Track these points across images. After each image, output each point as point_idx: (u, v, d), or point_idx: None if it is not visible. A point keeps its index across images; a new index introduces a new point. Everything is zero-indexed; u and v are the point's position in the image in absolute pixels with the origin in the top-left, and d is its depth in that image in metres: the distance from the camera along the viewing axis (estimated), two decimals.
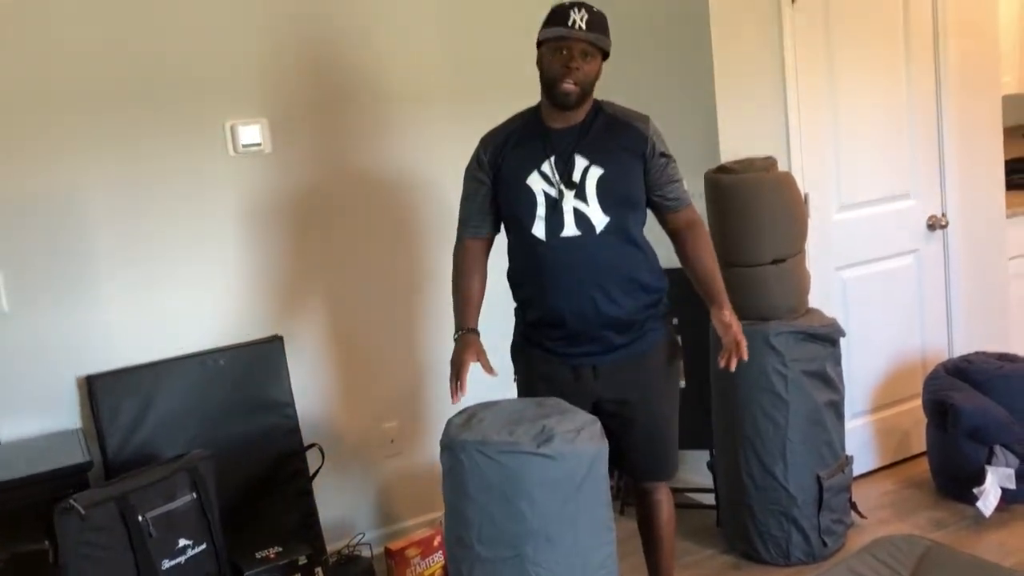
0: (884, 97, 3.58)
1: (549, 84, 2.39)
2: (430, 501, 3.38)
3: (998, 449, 3.22)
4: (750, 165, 3.10)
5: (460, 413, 2.29)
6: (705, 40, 3.23)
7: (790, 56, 3.36)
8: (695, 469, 3.43)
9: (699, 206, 2.71)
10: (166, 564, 2.54)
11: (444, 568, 3.12)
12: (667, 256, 2.57)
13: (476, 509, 2.13)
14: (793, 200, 3.08)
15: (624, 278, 2.44)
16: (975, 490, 3.19)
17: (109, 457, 2.85)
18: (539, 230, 2.43)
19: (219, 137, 3.08)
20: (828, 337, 3.07)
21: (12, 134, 2.79)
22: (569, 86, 2.35)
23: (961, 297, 3.83)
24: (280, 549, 2.88)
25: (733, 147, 3.26)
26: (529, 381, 2.58)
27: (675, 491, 2.78)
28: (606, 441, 2.25)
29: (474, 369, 2.42)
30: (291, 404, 3.15)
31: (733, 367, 2.44)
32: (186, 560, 2.59)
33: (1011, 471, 3.19)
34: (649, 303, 2.49)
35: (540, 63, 2.42)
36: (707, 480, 3.38)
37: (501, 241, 2.59)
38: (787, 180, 3.12)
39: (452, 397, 2.40)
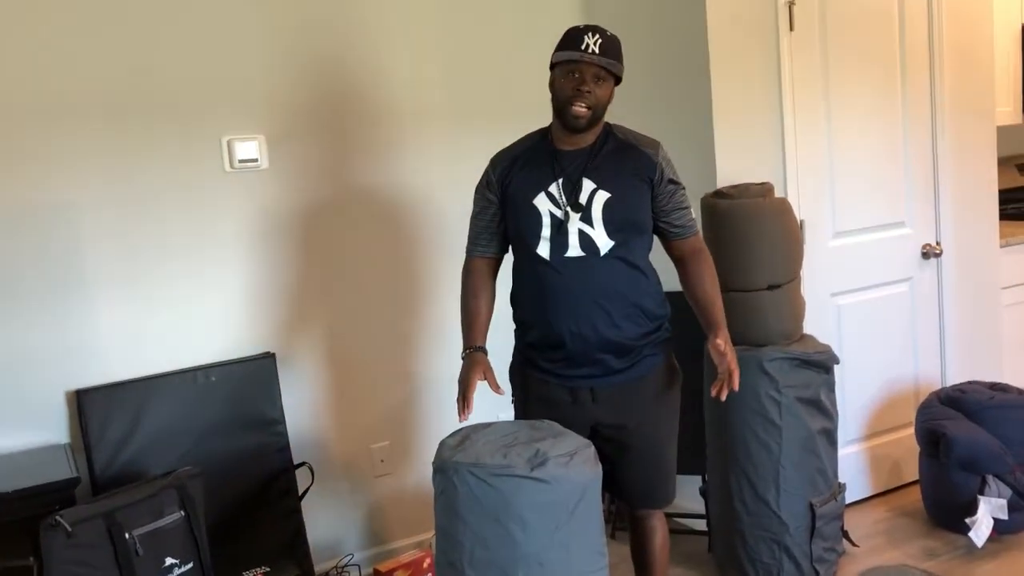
0: (880, 125, 3.60)
1: (560, 106, 2.40)
2: (420, 522, 3.35)
3: (990, 479, 3.22)
4: (746, 190, 3.10)
5: (453, 434, 2.28)
6: (703, 65, 3.25)
7: (787, 82, 3.37)
8: (687, 494, 3.40)
9: None
10: None
11: None
12: (669, 281, 2.57)
13: (468, 532, 2.11)
14: (789, 226, 3.09)
15: (626, 302, 2.43)
16: (967, 520, 3.19)
17: (97, 473, 2.82)
18: (543, 249, 2.43)
19: (215, 152, 3.07)
20: (823, 364, 3.07)
21: (5, 147, 2.77)
22: (580, 109, 2.36)
23: (954, 326, 3.84)
24: (268, 569, 2.86)
25: (730, 172, 3.27)
26: (526, 402, 2.57)
27: (667, 516, 2.76)
28: (600, 465, 2.23)
29: (479, 386, 2.41)
30: (282, 422, 3.13)
31: (724, 396, 2.43)
32: None
33: (1003, 501, 3.19)
34: (649, 330, 2.49)
35: (552, 85, 2.42)
36: (699, 506, 3.36)
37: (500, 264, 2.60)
38: (783, 206, 3.12)
39: (459, 415, 2.38)
